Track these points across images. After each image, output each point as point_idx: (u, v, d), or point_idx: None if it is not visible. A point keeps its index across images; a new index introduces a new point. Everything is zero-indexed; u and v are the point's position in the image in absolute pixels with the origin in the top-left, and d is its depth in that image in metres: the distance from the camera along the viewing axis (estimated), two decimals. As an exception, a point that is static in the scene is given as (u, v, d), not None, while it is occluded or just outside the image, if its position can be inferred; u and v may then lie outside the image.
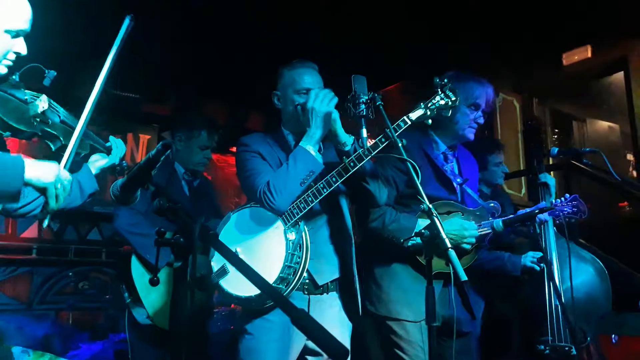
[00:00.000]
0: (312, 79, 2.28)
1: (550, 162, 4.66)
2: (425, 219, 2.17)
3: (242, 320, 2.20)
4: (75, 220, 4.87)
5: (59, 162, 1.63)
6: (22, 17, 1.53)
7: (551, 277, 2.66)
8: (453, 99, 2.12)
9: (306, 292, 2.21)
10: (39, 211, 1.84)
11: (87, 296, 4.54)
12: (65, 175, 1.50)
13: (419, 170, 1.82)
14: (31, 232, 4.72)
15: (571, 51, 4.98)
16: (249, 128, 5.80)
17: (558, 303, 2.60)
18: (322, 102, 2.11)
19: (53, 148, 1.67)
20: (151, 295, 2.79)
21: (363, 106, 1.98)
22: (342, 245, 2.30)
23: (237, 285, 2.09)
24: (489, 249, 2.84)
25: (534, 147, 3.08)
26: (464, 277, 1.59)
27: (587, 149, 3.49)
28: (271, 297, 1.86)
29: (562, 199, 2.72)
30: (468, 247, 2.31)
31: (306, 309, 2.18)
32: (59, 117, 1.67)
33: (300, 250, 2.11)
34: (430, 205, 1.74)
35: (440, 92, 2.12)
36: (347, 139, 2.15)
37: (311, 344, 2.21)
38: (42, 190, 1.47)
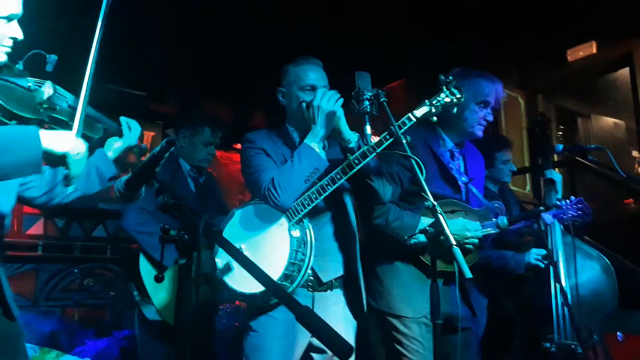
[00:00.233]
0: (317, 76, 2.28)
1: (555, 159, 4.64)
2: (429, 216, 2.17)
3: (247, 317, 2.20)
4: (80, 217, 4.89)
5: None
6: (13, 1, 1.51)
7: (558, 278, 2.65)
8: (458, 96, 2.12)
9: (310, 289, 2.21)
10: (58, 200, 1.85)
11: (93, 293, 4.56)
12: (80, 142, 1.48)
13: (423, 167, 1.82)
14: (37, 229, 4.74)
15: (576, 47, 4.95)
16: (252, 125, 5.80)
17: (564, 302, 2.59)
18: (329, 101, 2.11)
19: None
20: (159, 292, 2.82)
21: (367, 103, 1.98)
22: (346, 243, 2.30)
23: (241, 282, 2.10)
24: (492, 248, 2.83)
25: (541, 143, 3.05)
26: (468, 274, 1.58)
27: (592, 146, 3.48)
28: (275, 294, 1.86)
29: (567, 201, 2.70)
30: (470, 247, 2.31)
31: (310, 306, 2.18)
32: (67, 102, 1.65)
33: (304, 247, 2.11)
34: (435, 203, 1.73)
35: (445, 89, 2.12)
36: (352, 136, 2.15)
37: (316, 341, 2.21)
38: (61, 159, 1.44)
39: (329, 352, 2.22)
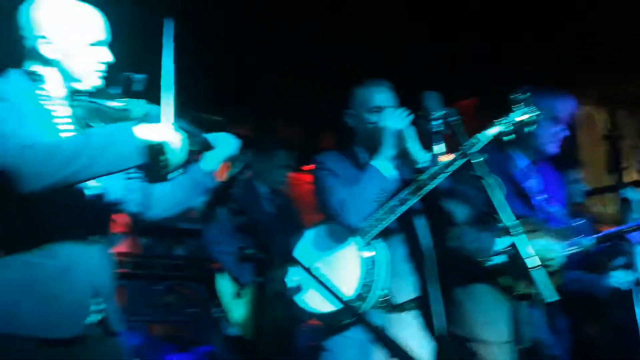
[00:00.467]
0: (384, 97, 2.30)
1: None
2: (506, 237, 2.11)
3: (321, 336, 2.23)
4: (162, 236, 5.13)
5: None
6: (98, 27, 1.62)
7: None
8: (532, 114, 2.07)
9: (384, 310, 2.20)
10: (161, 213, 1.81)
11: (174, 309, 4.73)
12: (176, 132, 1.48)
13: (503, 187, 1.79)
14: (123, 246, 5.01)
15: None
16: (321, 147, 5.89)
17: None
18: (396, 120, 2.12)
19: None
20: (238, 309, 2.92)
21: (436, 122, 1.98)
22: (420, 264, 2.28)
23: (313, 301, 2.13)
24: (574, 269, 2.71)
25: (613, 160, 2.91)
26: (551, 297, 1.53)
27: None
28: (352, 313, 1.88)
29: None
30: (552, 269, 2.21)
31: (385, 327, 2.18)
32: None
33: (376, 268, 2.12)
34: (513, 223, 1.70)
35: (518, 108, 2.08)
36: (423, 156, 2.15)
37: None
38: (159, 149, 1.45)
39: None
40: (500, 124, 2.08)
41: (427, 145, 2.14)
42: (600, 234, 2.26)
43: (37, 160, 1.30)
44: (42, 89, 1.56)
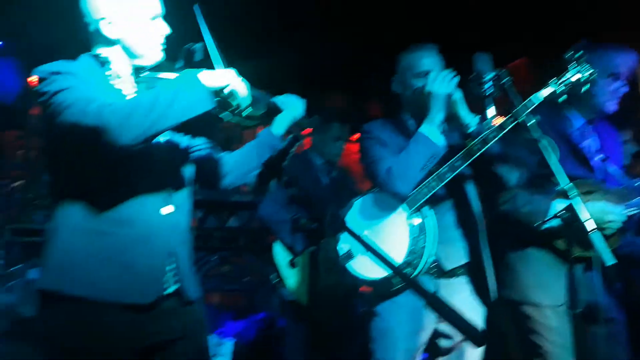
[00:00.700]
0: (430, 60, 2.24)
1: None
2: (561, 200, 2.06)
3: (371, 302, 2.25)
4: (216, 209, 5.30)
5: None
6: (154, 1, 1.66)
7: None
8: (588, 73, 1.98)
9: (434, 277, 2.21)
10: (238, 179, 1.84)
11: (229, 279, 4.90)
12: (234, 72, 1.51)
13: (556, 148, 1.73)
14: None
15: None
16: (369, 115, 5.85)
17: None
18: (442, 83, 2.08)
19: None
20: (293, 276, 3.05)
21: (487, 85, 1.93)
22: (469, 230, 2.26)
23: (363, 268, 2.15)
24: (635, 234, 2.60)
25: None
26: (610, 260, 1.49)
27: None
28: (403, 279, 1.90)
29: None
30: (610, 232, 2.14)
31: (435, 293, 2.19)
32: None
33: (424, 235, 2.11)
34: (569, 185, 1.65)
35: (572, 67, 1.99)
36: (471, 120, 2.10)
37: (442, 327, 2.21)
38: (228, 93, 1.49)
39: (455, 339, 2.21)
40: (553, 84, 2.00)
41: (476, 109, 2.09)
42: None
43: (122, 115, 1.36)
44: (109, 69, 1.62)
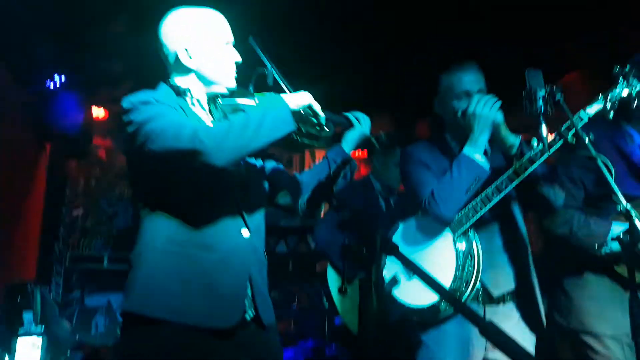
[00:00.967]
0: (470, 79, 2.20)
1: None
2: (621, 222, 1.96)
3: (418, 330, 2.18)
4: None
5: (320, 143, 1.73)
6: (226, 29, 1.72)
7: None
8: (636, 88, 1.89)
9: (481, 303, 2.12)
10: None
11: (277, 305, 4.91)
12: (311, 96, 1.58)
13: (611, 167, 1.66)
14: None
15: None
16: (416, 135, 5.82)
17: None
18: (485, 106, 2.04)
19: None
20: (344, 302, 3.02)
21: (541, 102, 1.87)
22: (517, 254, 2.18)
23: (408, 295, 2.10)
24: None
25: None
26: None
27: None
28: (454, 305, 1.84)
29: None
30: None
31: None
32: None
33: (471, 260, 2.05)
34: (628, 206, 1.57)
35: (621, 82, 1.91)
36: (514, 141, 2.06)
37: (491, 356, 2.12)
38: (309, 112, 1.54)
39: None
40: (600, 101, 1.93)
41: (529, 127, 2.02)
42: None
43: (217, 137, 1.41)
44: (188, 96, 1.68)
